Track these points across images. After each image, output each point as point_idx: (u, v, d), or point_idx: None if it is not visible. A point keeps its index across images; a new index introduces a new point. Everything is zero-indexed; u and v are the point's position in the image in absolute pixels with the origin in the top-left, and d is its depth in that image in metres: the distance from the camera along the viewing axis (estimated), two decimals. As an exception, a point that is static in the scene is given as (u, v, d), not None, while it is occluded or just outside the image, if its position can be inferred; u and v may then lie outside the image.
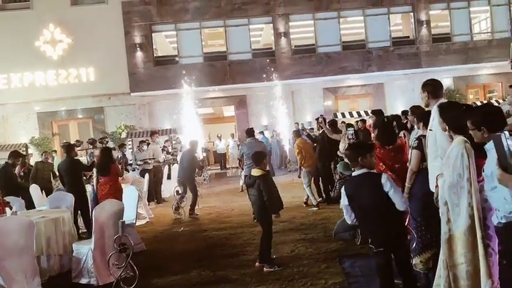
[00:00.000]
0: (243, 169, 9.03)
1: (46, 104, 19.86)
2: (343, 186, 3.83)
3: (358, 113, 18.89)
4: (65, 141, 15.12)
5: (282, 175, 15.72)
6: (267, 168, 7.43)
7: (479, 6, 21.10)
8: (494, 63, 20.08)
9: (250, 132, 8.88)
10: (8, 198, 6.85)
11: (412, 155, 4.30)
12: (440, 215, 3.41)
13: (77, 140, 14.04)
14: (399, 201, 3.56)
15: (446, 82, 20.79)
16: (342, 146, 7.82)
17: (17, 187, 8.38)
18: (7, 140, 19.55)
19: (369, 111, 18.14)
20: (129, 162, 13.62)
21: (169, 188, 12.94)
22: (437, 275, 3.49)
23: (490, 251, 3.07)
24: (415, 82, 18.65)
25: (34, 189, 9.19)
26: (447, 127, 3.36)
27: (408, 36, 21.11)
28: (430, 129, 3.80)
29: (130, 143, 18.57)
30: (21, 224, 5.02)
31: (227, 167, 21.38)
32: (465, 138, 3.17)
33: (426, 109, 4.19)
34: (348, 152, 3.98)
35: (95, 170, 7.87)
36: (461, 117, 3.12)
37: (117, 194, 7.27)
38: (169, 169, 13.72)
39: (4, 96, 19.51)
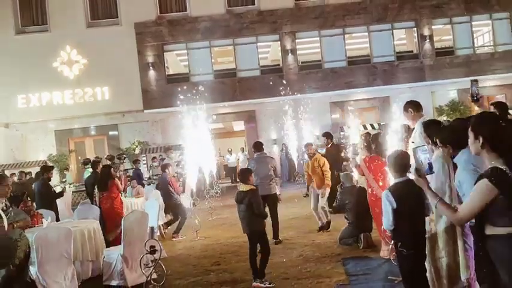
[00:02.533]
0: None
1: (63, 122, 20.69)
2: (389, 192, 3.93)
3: (364, 126, 19.46)
4: (86, 158, 15.86)
5: (291, 188, 16.27)
6: (274, 180, 7.98)
7: (480, 20, 21.70)
8: (497, 75, 20.59)
9: (257, 147, 8.45)
10: (40, 211, 7.54)
11: None
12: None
13: (96, 157, 14.75)
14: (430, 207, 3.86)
15: (451, 95, 21.35)
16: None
17: (54, 199, 9.05)
18: (26, 157, 20.34)
19: (375, 124, 18.76)
20: (145, 177, 14.30)
21: (183, 201, 13.57)
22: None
23: (467, 247, 3.63)
24: (420, 95, 19.20)
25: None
26: (430, 141, 3.95)
27: (412, 51, 21.75)
28: (412, 142, 4.40)
29: (144, 158, 19.26)
30: (60, 232, 5.68)
31: (237, 180, 21.96)
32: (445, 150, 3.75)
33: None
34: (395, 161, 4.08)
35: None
36: (440, 133, 3.69)
37: (118, 207, 8.03)
38: (184, 183, 14.34)
39: (23, 115, 20.38)
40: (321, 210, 8.45)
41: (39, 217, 7.16)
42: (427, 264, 3.86)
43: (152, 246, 4.97)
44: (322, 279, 5.49)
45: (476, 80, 4.90)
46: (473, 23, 21.39)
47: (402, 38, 22.99)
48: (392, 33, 21.03)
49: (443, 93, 21.46)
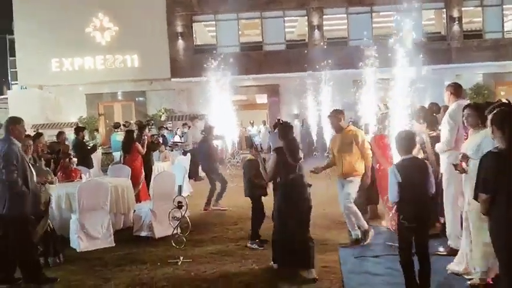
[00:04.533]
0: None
1: (93, 86, 21.53)
2: (395, 167, 4.32)
3: (386, 105, 19.67)
4: (115, 121, 16.69)
5: (309, 163, 16.77)
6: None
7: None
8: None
9: (275, 125, 8.96)
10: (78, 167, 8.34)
11: None
12: None
13: (125, 121, 15.54)
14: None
15: (477, 78, 21.29)
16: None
17: (88, 155, 9.93)
18: (58, 119, 21.35)
19: (387, 105, 18.93)
20: (169, 143, 15.06)
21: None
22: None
23: None
24: (444, 77, 19.28)
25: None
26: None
27: (440, 32, 21.65)
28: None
29: (170, 125, 20.03)
30: (99, 186, 6.44)
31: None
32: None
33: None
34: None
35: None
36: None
37: (138, 168, 9.03)
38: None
39: (56, 79, 21.26)
40: (351, 210, 6.01)
41: (77, 172, 7.95)
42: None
43: (179, 202, 5.65)
44: (328, 242, 6.11)
45: None
46: (504, 6, 21.10)
47: (431, 18, 22.83)
48: (421, 15, 20.92)
49: (468, 77, 21.40)
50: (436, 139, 5.88)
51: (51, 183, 6.26)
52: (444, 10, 21.16)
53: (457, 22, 20.82)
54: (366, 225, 6.06)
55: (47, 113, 21.28)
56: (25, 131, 5.31)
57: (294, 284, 4.83)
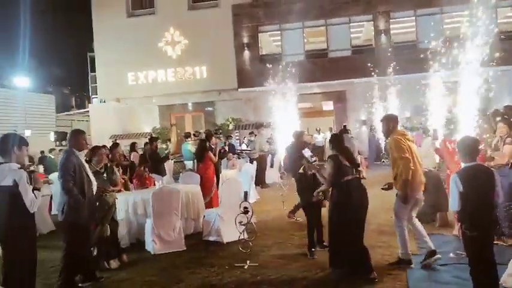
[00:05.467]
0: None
1: (165, 98, 22.64)
2: (457, 176, 4.17)
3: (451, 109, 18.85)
4: (186, 131, 17.46)
5: (377, 170, 16.45)
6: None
7: None
8: None
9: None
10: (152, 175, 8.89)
11: None
12: None
13: (196, 131, 16.23)
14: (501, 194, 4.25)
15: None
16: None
17: (161, 163, 10.54)
18: (134, 129, 22.68)
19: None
20: (237, 150, 15.49)
21: (272, 175, 14.60)
22: None
23: None
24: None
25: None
26: None
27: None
28: None
29: (237, 134, 20.57)
30: (172, 192, 6.86)
31: (324, 159, 22.50)
32: None
33: None
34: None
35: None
36: None
37: (211, 175, 9.43)
38: (272, 159, 15.32)
39: (132, 91, 22.64)
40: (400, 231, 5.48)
41: (151, 180, 8.49)
42: None
43: (245, 207, 5.89)
44: (393, 249, 6.04)
45: None
46: None
47: (509, 16, 21.60)
48: (496, 12, 19.86)
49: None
50: None
51: (112, 191, 6.47)
52: (519, 8, 19.94)
53: None
54: (431, 246, 5.45)
55: (123, 124, 22.66)
56: (86, 141, 5.71)
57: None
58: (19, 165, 4.45)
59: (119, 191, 7.77)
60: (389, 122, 5.65)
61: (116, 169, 7.11)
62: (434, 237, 6.16)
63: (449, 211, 7.12)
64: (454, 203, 4.21)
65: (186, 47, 22.24)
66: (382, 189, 5.64)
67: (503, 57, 20.07)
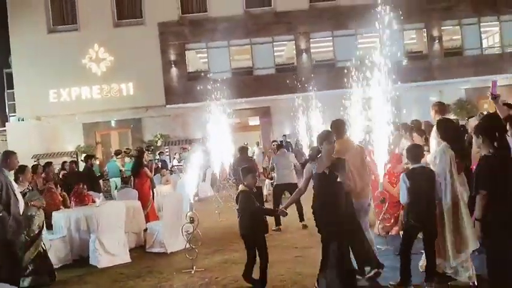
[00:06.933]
0: (266, 178, 10.61)
1: (90, 115, 22.15)
2: (405, 175, 5.06)
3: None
4: (117, 149, 17.31)
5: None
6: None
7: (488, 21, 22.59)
8: (505, 75, 21.46)
9: (278, 147, 9.93)
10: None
11: None
12: None
13: (126, 148, 16.18)
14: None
15: (459, 94, 22.30)
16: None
17: (97, 181, 10.50)
18: (57, 148, 21.89)
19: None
20: (169, 167, 15.71)
21: (204, 189, 15.00)
22: None
23: None
24: (429, 93, 20.27)
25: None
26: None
27: (421, 51, 22.75)
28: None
29: (167, 150, 20.68)
30: (115, 208, 7.06)
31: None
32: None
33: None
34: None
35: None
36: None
37: (147, 190, 9.53)
38: (205, 173, 15.69)
39: (54, 109, 21.92)
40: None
41: (90, 197, 8.55)
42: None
43: (191, 217, 6.27)
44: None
45: (495, 80, 5.76)
46: (481, 24, 22.30)
47: (413, 37, 23.98)
48: (403, 35, 22.01)
49: (451, 92, 22.41)
50: None
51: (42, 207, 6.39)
52: (424, 30, 22.28)
53: (437, 41, 21.95)
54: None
55: (46, 143, 21.80)
56: (17, 161, 5.96)
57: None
58: None
59: (57, 208, 7.81)
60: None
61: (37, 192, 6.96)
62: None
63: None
64: (403, 197, 5.10)
65: (111, 64, 22.05)
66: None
67: (409, 75, 22.29)
